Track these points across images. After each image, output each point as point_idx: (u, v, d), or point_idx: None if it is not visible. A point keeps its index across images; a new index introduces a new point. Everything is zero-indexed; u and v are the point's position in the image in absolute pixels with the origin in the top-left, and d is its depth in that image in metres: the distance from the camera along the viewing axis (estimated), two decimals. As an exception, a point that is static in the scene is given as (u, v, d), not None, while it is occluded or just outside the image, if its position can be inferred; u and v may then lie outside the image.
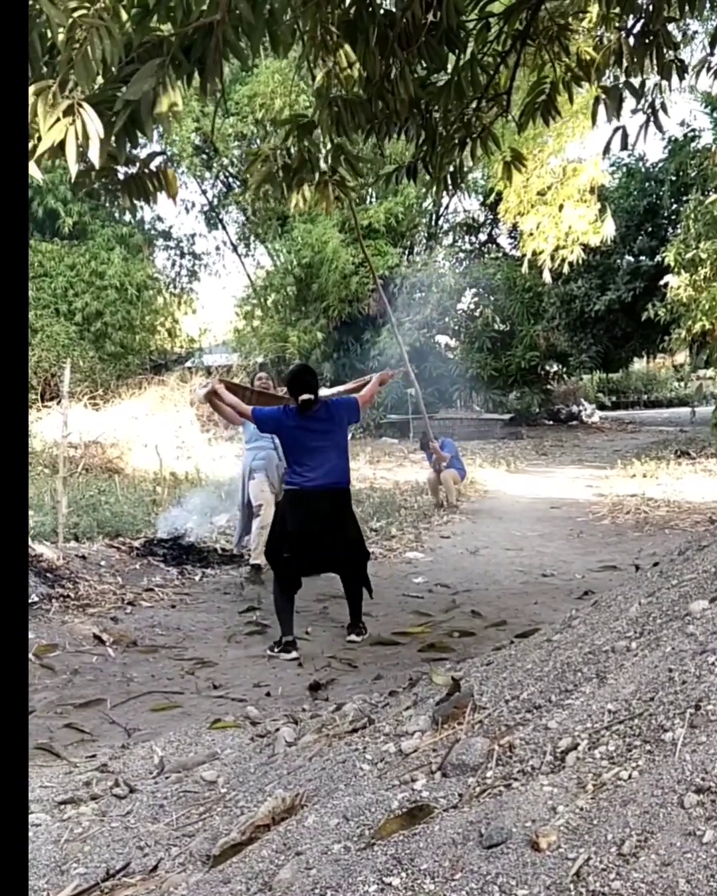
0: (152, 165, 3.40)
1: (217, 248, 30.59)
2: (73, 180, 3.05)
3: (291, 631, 5.92)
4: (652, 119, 4.82)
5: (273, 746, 3.31)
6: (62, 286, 22.59)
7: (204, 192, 28.04)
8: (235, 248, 28.70)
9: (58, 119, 2.63)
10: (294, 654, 5.77)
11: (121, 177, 3.38)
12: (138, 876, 2.53)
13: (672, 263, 17.55)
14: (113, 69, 2.77)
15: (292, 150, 4.32)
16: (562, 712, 2.31)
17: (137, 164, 3.39)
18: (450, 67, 4.26)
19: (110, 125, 2.77)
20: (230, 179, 27.48)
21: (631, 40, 4.39)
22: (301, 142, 4.23)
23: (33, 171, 2.95)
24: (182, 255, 29.22)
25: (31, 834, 3.01)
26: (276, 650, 5.86)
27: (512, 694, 2.59)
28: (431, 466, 12.37)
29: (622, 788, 1.87)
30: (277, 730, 3.51)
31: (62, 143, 2.65)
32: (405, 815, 2.11)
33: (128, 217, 26.52)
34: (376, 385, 6.59)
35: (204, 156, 25.17)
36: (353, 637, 6.10)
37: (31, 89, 2.61)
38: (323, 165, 4.42)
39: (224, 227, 28.76)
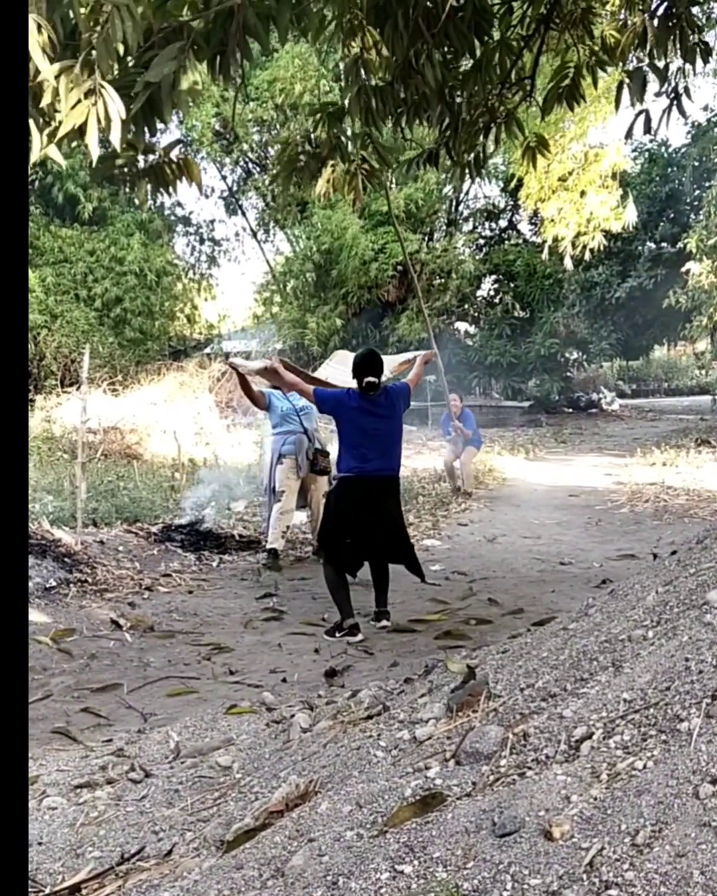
0: (173, 154, 3.38)
1: (237, 235, 30.66)
2: (93, 165, 3.03)
3: (352, 613, 5.96)
4: (675, 103, 4.76)
5: (288, 732, 3.31)
6: (82, 272, 22.61)
7: (224, 178, 28.00)
8: (254, 234, 28.62)
9: (79, 100, 2.61)
10: (359, 636, 5.80)
11: (141, 165, 3.37)
12: (153, 860, 2.54)
13: (694, 250, 17.45)
14: (130, 59, 2.75)
15: (317, 137, 4.30)
16: (577, 701, 2.29)
17: (159, 153, 3.38)
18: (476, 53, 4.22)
19: (129, 109, 2.75)
20: (250, 165, 27.42)
21: (655, 23, 4.33)
22: (330, 129, 4.21)
23: (54, 154, 2.92)
24: (201, 241, 29.18)
25: (47, 817, 3.03)
26: (338, 635, 5.89)
27: (527, 682, 2.57)
28: (449, 442, 12.32)
29: (636, 778, 1.86)
30: (293, 716, 3.51)
31: (83, 126, 2.63)
32: (418, 803, 2.10)
33: (148, 203, 26.50)
34: (421, 367, 6.62)
35: (224, 141, 25.08)
36: (384, 623, 6.12)
37: (54, 69, 2.59)
38: (351, 153, 4.39)
39: (243, 213, 28.70)
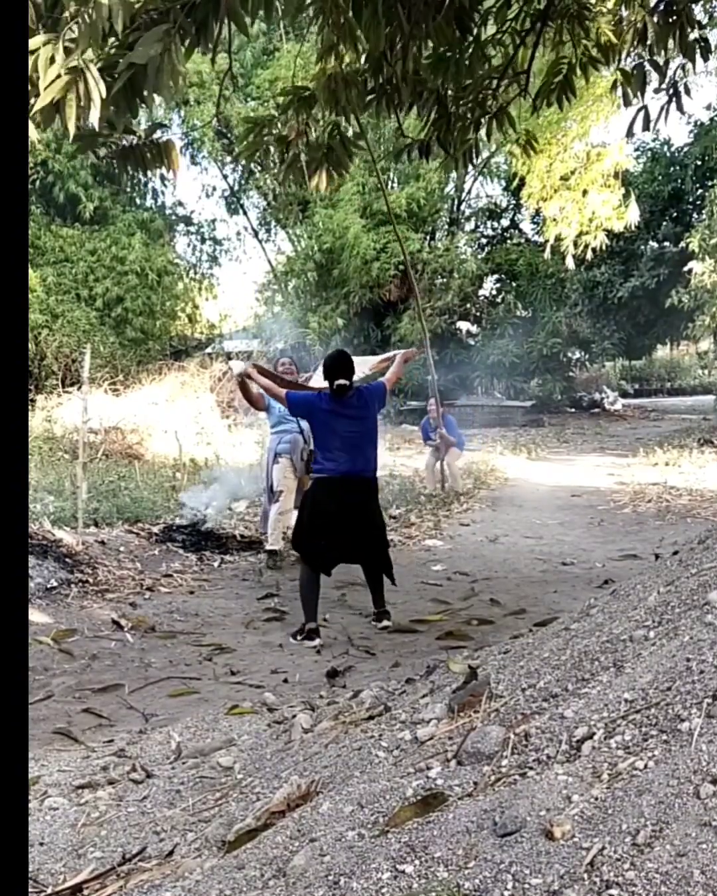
0: (154, 137, 3.35)
1: (238, 234, 30.66)
2: (71, 141, 3.00)
3: (315, 617, 5.93)
4: (674, 100, 4.76)
5: (290, 733, 3.32)
6: (83, 271, 22.65)
7: (225, 177, 27.99)
8: (255, 234, 28.65)
9: (58, 75, 2.56)
10: (317, 642, 5.77)
11: (122, 147, 3.33)
12: (154, 860, 2.54)
13: (697, 249, 17.44)
14: (117, 31, 2.70)
15: (287, 121, 4.24)
16: (578, 701, 2.29)
17: (141, 136, 3.34)
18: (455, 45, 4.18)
19: (112, 90, 2.72)
20: (251, 164, 27.42)
21: (655, 18, 4.33)
22: (299, 115, 4.15)
23: (30, 130, 2.88)
24: (203, 241, 29.19)
25: (48, 817, 3.03)
26: (298, 638, 5.86)
27: (529, 682, 2.57)
28: (430, 447, 12.30)
29: (637, 778, 1.86)
30: (294, 716, 3.52)
31: (60, 103, 2.59)
32: (420, 803, 2.10)
33: (149, 202, 26.58)
34: (401, 365, 6.51)
35: (225, 140, 25.09)
36: (385, 623, 6.11)
37: (36, 41, 2.54)
38: (317, 139, 4.33)
39: (245, 213, 28.71)
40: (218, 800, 2.87)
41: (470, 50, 4.14)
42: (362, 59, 4.02)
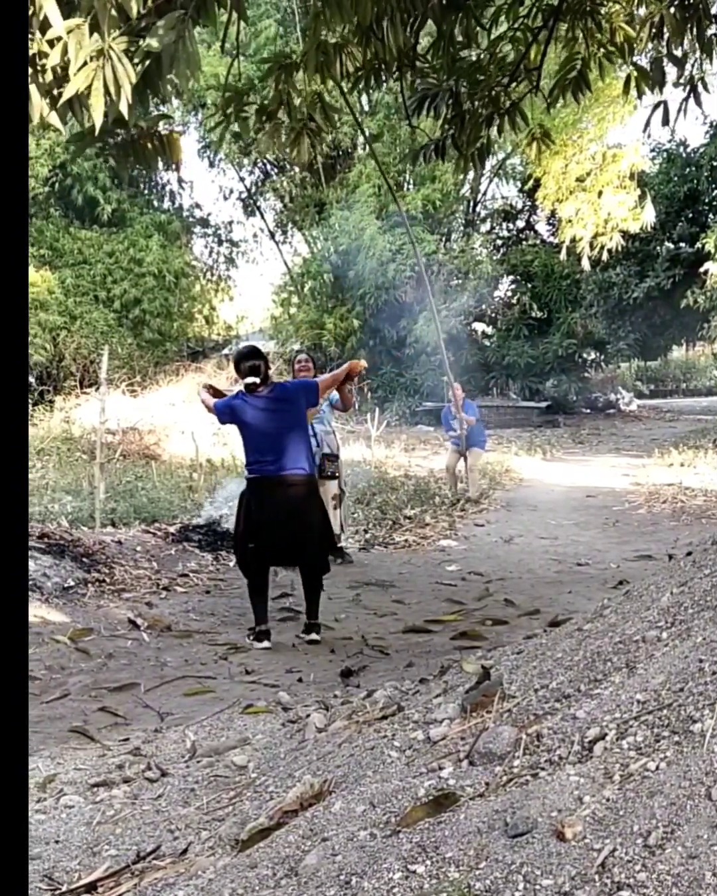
0: (157, 129, 3.32)
1: (254, 236, 30.57)
2: (69, 140, 2.94)
3: (265, 619, 5.87)
4: (693, 94, 4.75)
5: (303, 732, 3.32)
6: (101, 273, 22.77)
7: (242, 180, 28.09)
8: (272, 236, 28.73)
9: (85, 63, 2.50)
10: (266, 644, 5.73)
11: (122, 139, 3.28)
12: (168, 859, 2.55)
13: (713, 250, 17.37)
14: (131, 16, 2.66)
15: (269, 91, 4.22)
16: (591, 702, 2.29)
17: (143, 127, 3.30)
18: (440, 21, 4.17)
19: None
20: (268, 166, 27.50)
21: (672, 11, 4.32)
22: (280, 83, 4.11)
23: (54, 121, 2.80)
24: (220, 243, 29.32)
25: (64, 815, 3.05)
26: (250, 638, 5.85)
27: (541, 683, 2.57)
28: (452, 443, 12.16)
29: (649, 779, 1.86)
30: (308, 716, 3.52)
31: (84, 93, 2.54)
32: (431, 803, 2.10)
33: (166, 204, 26.68)
34: (342, 372, 6.19)
35: (242, 142, 25.14)
36: (313, 636, 5.89)
37: (67, 25, 2.49)
38: (298, 109, 4.29)
39: (261, 215, 28.80)
40: (232, 799, 2.89)
41: (463, 26, 4.12)
42: (351, 30, 3.99)
